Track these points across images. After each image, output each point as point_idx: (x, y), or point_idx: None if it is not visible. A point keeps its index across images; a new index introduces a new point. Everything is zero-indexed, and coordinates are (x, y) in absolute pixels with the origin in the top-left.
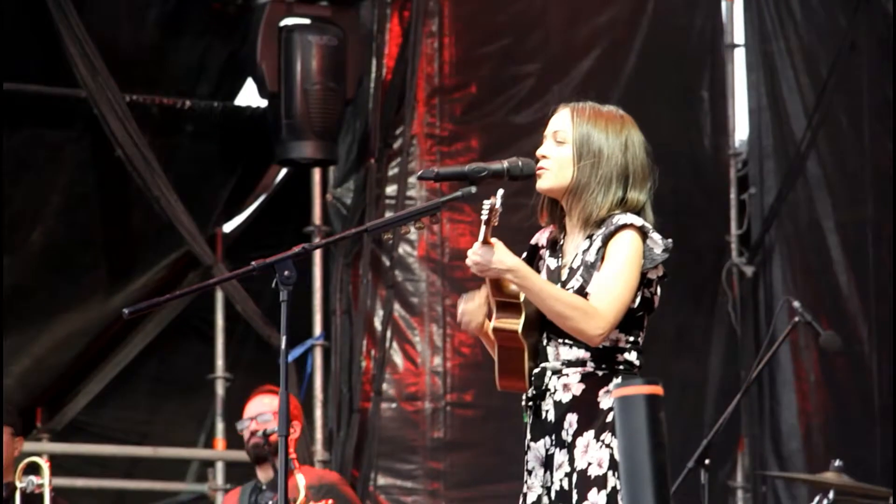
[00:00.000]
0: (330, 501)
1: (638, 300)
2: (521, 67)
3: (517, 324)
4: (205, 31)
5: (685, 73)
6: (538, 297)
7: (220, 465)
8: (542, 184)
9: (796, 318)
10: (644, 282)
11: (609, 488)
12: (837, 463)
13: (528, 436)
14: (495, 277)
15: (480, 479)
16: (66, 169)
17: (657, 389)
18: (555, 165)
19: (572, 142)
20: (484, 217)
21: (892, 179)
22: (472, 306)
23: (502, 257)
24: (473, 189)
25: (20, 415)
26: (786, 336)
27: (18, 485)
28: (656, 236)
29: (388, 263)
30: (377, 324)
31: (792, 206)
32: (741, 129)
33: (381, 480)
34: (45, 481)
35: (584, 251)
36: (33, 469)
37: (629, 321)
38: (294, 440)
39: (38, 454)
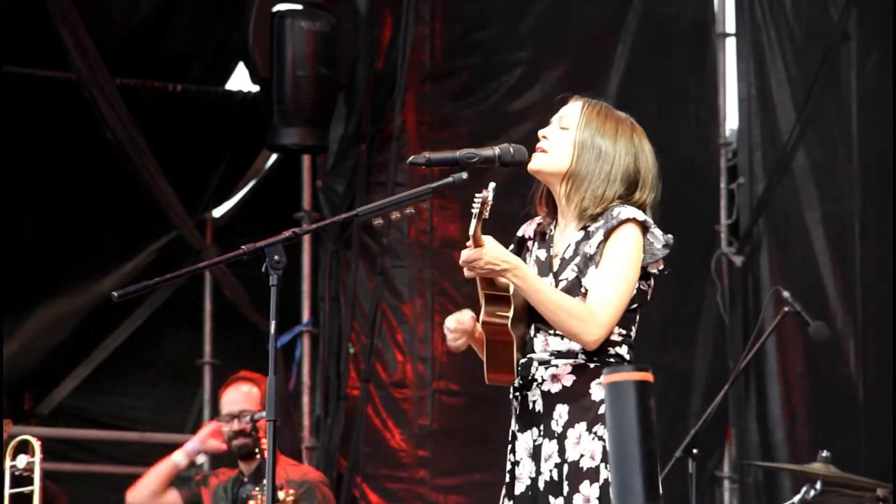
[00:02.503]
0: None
1: (634, 294)
2: (512, 55)
3: (506, 317)
4: (197, 15)
5: (676, 61)
6: (535, 297)
7: (204, 465)
8: (535, 163)
9: (785, 309)
10: (643, 275)
11: (601, 480)
12: (824, 454)
13: (515, 426)
14: (491, 277)
15: (467, 468)
16: (56, 152)
17: (647, 376)
18: (553, 147)
19: (576, 130)
20: (475, 210)
21: (891, 171)
22: (462, 327)
23: (503, 256)
24: (464, 175)
25: (8, 398)
26: (775, 326)
27: (8, 463)
28: (657, 231)
29: (377, 250)
30: (366, 310)
31: (781, 196)
32: (731, 119)
33: (368, 467)
34: (35, 460)
35: (579, 242)
36: (24, 448)
37: (624, 315)
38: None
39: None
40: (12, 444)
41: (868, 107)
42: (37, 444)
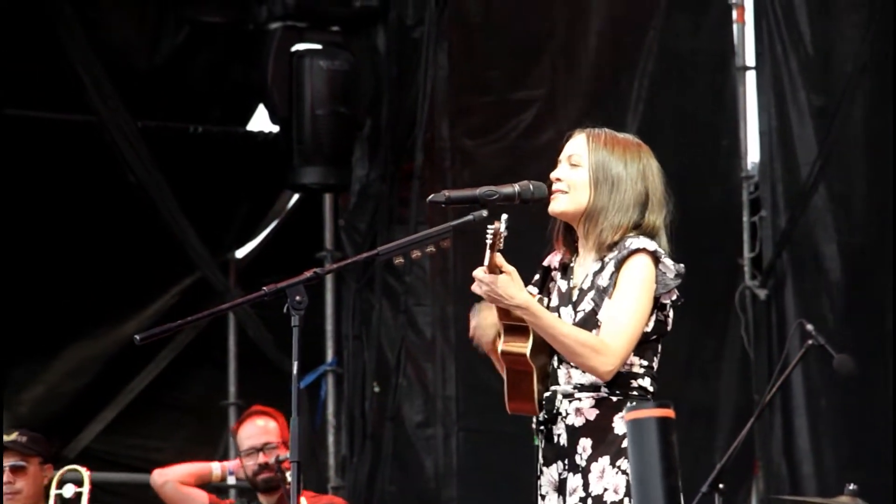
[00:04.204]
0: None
1: (651, 324)
2: (529, 92)
3: (525, 347)
4: (216, 56)
5: (695, 95)
6: (548, 334)
7: (232, 493)
8: (556, 206)
9: (809, 341)
10: (658, 305)
11: None
12: (852, 486)
13: (541, 460)
14: (505, 308)
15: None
16: (78, 195)
17: (669, 412)
18: (570, 188)
19: (588, 166)
20: (489, 241)
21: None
22: (484, 321)
23: (513, 293)
24: (484, 212)
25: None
26: (799, 359)
27: (54, 492)
28: (668, 262)
29: (399, 289)
30: (390, 349)
31: (804, 229)
32: (753, 152)
33: None
34: (84, 490)
35: (596, 273)
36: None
37: (643, 345)
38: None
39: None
40: (60, 472)
41: (890, 136)
42: (86, 474)
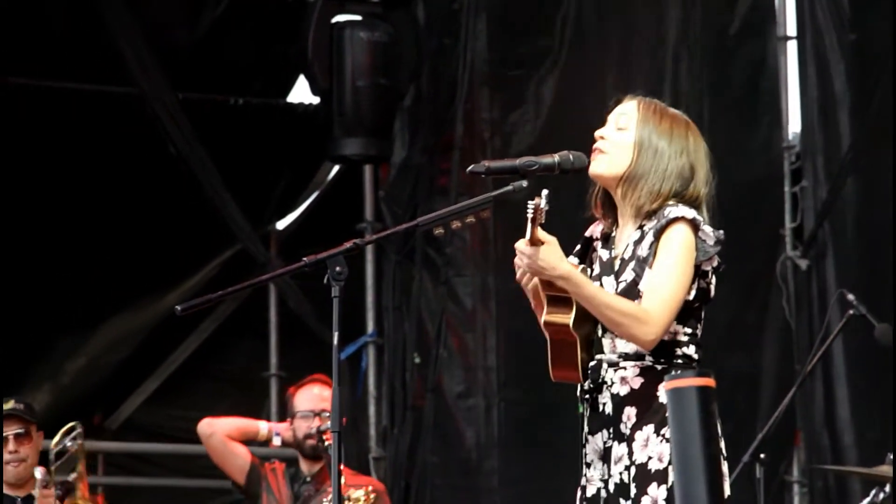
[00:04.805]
0: (370, 488)
1: (694, 292)
2: (567, 63)
3: (568, 318)
4: (257, 28)
5: (738, 64)
6: (590, 303)
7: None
8: (595, 168)
9: (850, 311)
10: (699, 273)
11: (669, 483)
12: (893, 456)
13: (586, 428)
14: (547, 280)
15: (535, 476)
16: (120, 167)
17: (709, 381)
18: (612, 148)
19: (635, 130)
20: (529, 216)
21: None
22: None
23: (555, 263)
24: (524, 183)
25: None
26: (840, 328)
27: (54, 449)
28: (708, 228)
29: (440, 260)
30: (430, 320)
31: (845, 199)
32: (794, 122)
33: (436, 477)
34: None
35: (636, 242)
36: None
37: (686, 312)
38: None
39: (96, 453)
40: (62, 430)
41: None
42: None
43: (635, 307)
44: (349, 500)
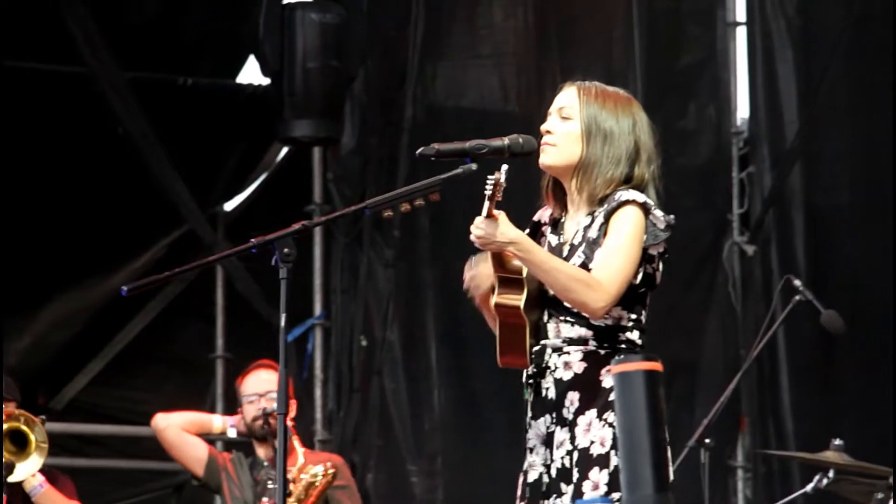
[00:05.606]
0: (329, 464)
1: (640, 276)
2: (518, 47)
3: (519, 300)
4: (207, 8)
5: (687, 50)
6: (540, 269)
7: (219, 445)
8: (546, 159)
9: (797, 297)
10: (646, 257)
11: (611, 467)
12: (837, 442)
13: (529, 413)
14: (498, 251)
15: (477, 459)
16: (68, 147)
17: (656, 366)
18: (561, 140)
19: (580, 119)
20: (488, 192)
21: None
22: (481, 273)
23: (505, 230)
24: (474, 165)
25: (22, 394)
26: (787, 314)
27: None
28: (658, 213)
29: (388, 242)
30: (378, 303)
31: (792, 185)
32: (743, 108)
33: (380, 460)
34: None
35: (587, 227)
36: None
37: (631, 297)
38: (293, 419)
39: None
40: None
41: (879, 95)
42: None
43: (586, 274)
44: (307, 475)
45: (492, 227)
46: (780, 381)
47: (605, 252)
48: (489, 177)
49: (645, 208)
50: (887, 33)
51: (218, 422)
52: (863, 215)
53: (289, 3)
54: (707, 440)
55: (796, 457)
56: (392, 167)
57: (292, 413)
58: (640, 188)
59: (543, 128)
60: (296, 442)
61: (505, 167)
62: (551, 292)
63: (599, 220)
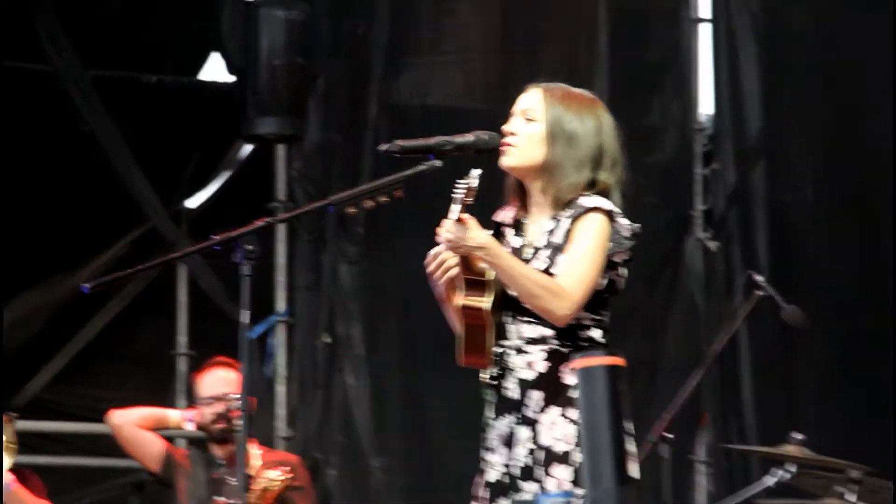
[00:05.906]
0: (287, 468)
1: (605, 282)
2: (483, 46)
3: (484, 301)
4: (172, 5)
5: (650, 47)
6: (508, 274)
7: (182, 443)
8: (508, 160)
9: (759, 292)
10: (610, 264)
11: (575, 464)
12: (798, 436)
13: (491, 414)
14: (466, 254)
15: (437, 458)
16: (30, 144)
17: (619, 360)
18: (523, 142)
19: (545, 121)
20: (459, 196)
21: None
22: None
23: (475, 235)
24: (438, 162)
25: None
26: (749, 310)
27: None
28: (624, 221)
29: (352, 239)
30: (341, 300)
31: (755, 182)
32: (706, 105)
33: (343, 457)
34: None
35: (550, 232)
36: None
37: (594, 302)
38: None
39: None
40: None
41: (845, 92)
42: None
43: (552, 281)
44: (264, 479)
45: (461, 232)
46: (742, 376)
47: (570, 259)
48: (460, 181)
49: (610, 216)
50: (852, 29)
51: (174, 416)
52: (825, 212)
53: (253, 0)
54: (669, 435)
55: (757, 451)
56: (356, 165)
57: (251, 411)
58: (605, 193)
59: (506, 128)
60: (253, 445)
61: (477, 172)
62: (512, 292)
63: (564, 225)
